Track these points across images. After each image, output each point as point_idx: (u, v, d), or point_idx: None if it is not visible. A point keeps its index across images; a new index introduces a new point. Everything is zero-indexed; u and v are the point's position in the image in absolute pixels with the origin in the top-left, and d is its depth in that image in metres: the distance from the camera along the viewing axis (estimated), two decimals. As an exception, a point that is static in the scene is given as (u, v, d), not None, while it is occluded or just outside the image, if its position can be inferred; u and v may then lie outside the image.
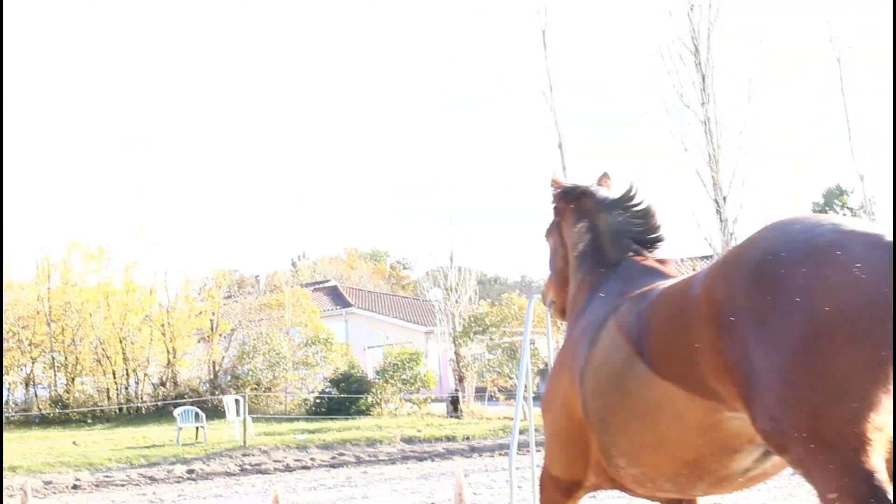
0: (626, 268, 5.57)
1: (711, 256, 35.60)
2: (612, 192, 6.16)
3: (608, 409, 4.61)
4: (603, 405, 4.65)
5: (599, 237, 5.93)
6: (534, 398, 34.92)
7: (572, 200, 6.28)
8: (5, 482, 22.40)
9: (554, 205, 6.52)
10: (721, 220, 34.11)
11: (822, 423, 3.47)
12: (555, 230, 6.48)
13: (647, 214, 5.85)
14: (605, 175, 6.42)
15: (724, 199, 34.14)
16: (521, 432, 19.76)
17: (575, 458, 5.08)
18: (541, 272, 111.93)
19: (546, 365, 32.05)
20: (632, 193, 5.91)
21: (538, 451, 23.32)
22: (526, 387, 9.57)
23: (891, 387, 3.41)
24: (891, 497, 3.40)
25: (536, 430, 22.53)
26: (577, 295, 5.88)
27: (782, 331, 3.56)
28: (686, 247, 63.06)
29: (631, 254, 5.69)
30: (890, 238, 3.59)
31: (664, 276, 5.32)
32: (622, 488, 4.90)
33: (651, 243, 5.77)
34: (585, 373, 4.86)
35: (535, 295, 9.91)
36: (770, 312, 3.62)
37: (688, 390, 4.09)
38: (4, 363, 38.66)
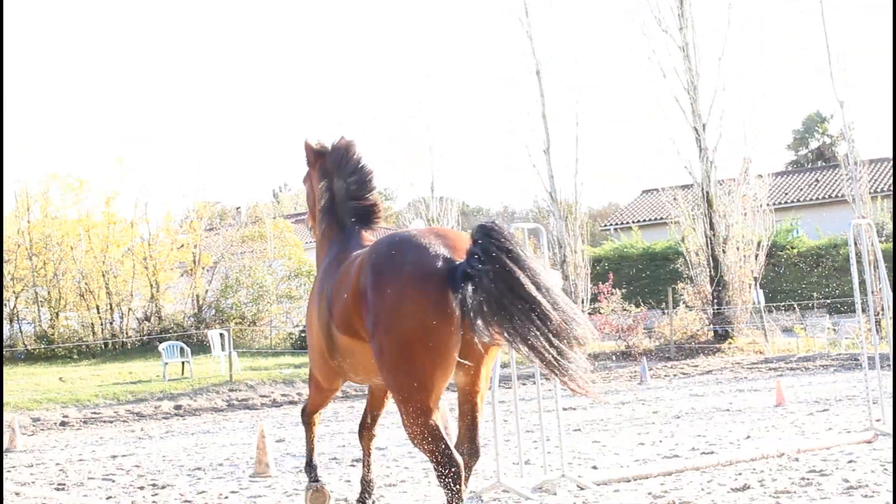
0: (347, 235, 7.81)
1: (692, 185, 35.80)
2: (344, 156, 8.04)
3: (329, 348, 7.13)
4: (327, 344, 7.14)
5: (334, 197, 8.06)
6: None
7: (318, 159, 8.27)
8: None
9: (307, 159, 8.43)
10: (701, 149, 34.26)
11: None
12: (308, 180, 8.55)
13: (363, 182, 7.94)
14: (348, 141, 8.18)
15: (704, 126, 34.25)
16: (504, 366, 20.06)
17: (329, 371, 7.57)
18: (524, 203, 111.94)
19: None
20: (352, 162, 7.96)
21: (522, 384, 23.39)
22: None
23: (438, 322, 5.78)
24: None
25: (519, 363, 22.63)
26: (321, 242, 8.12)
27: (378, 301, 6.00)
28: (667, 176, 63.28)
29: (353, 219, 7.88)
30: (423, 239, 6.08)
31: (362, 247, 7.46)
32: (352, 380, 7.57)
33: (365, 212, 7.91)
34: (320, 319, 7.19)
35: (515, 224, 10.05)
36: (375, 290, 6.05)
37: (355, 338, 6.60)
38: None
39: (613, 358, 31.47)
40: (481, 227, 5.80)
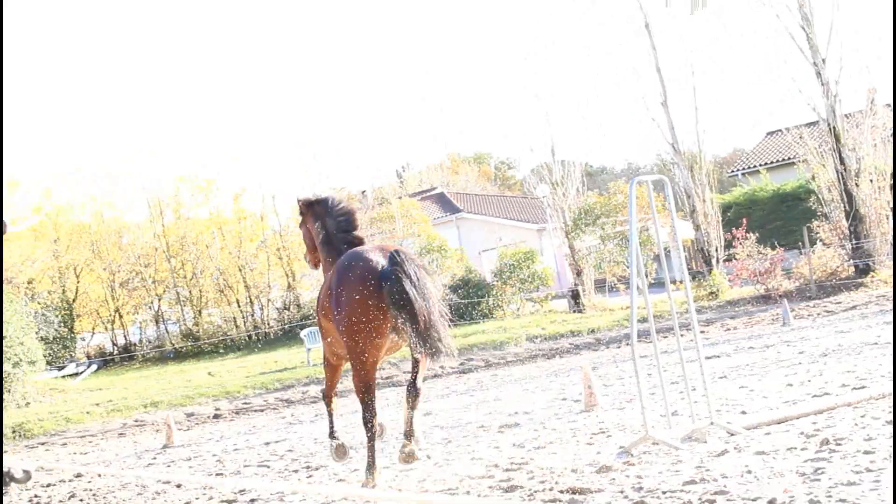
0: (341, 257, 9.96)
1: (817, 122, 35.03)
2: (332, 203, 10.66)
3: (322, 331, 10.21)
4: (322, 329, 10.20)
5: (329, 233, 10.56)
6: (650, 285, 35.06)
7: (309, 208, 10.91)
8: (148, 417, 23.36)
9: (300, 210, 11.12)
10: (822, 84, 33.44)
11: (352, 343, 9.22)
12: (303, 224, 11.17)
13: (349, 220, 10.52)
14: (330, 195, 10.96)
15: (823, 61, 33.41)
16: (641, 321, 19.94)
17: (328, 349, 10.37)
18: (647, 158, 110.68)
19: (667, 250, 31.80)
20: (339, 207, 10.59)
21: (664, 337, 23.31)
22: (639, 273, 9.70)
23: (376, 324, 9.09)
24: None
25: (656, 317, 22.49)
26: (326, 264, 10.60)
27: (337, 296, 9.23)
28: (790, 116, 61.86)
29: (346, 246, 10.31)
30: (368, 253, 9.30)
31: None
32: (343, 358, 10.29)
33: (351, 240, 10.38)
34: (320, 310, 10.02)
35: (638, 178, 9.98)
36: (336, 295, 9.25)
37: (331, 322, 9.59)
38: (132, 303, 39.94)
39: (753, 303, 31.02)
40: (393, 253, 9.11)
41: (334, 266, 9.67)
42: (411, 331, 8.72)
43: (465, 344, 27.15)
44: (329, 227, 10.61)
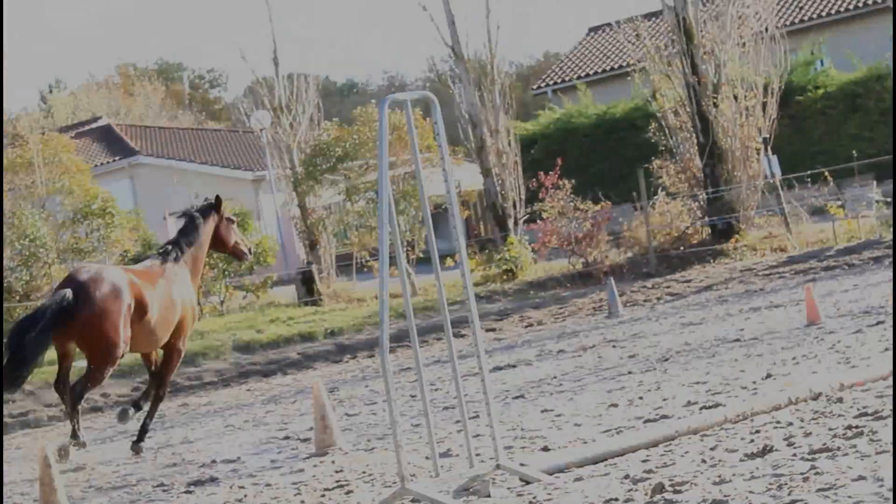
0: None
1: (660, 12, 35.94)
2: None
3: None
4: None
5: None
6: (419, 262, 35.21)
7: None
8: None
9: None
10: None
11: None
12: None
13: None
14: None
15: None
16: (398, 317, 20.04)
17: None
18: (416, 68, 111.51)
19: (441, 207, 31.74)
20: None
21: (437, 340, 23.46)
22: (395, 243, 9.70)
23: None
24: None
25: (426, 309, 22.66)
26: None
27: None
28: (624, 3, 63.27)
29: None
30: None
31: None
32: None
33: None
34: None
35: (392, 97, 10.01)
36: None
37: None
38: None
39: (567, 284, 31.63)
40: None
41: None
42: None
43: (136, 359, 26.63)
44: None
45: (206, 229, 17.45)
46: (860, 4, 51.40)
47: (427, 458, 11.39)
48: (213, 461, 14.30)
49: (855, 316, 18.09)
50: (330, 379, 21.14)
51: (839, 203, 33.90)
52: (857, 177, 37.88)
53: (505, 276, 33.14)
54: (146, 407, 16.67)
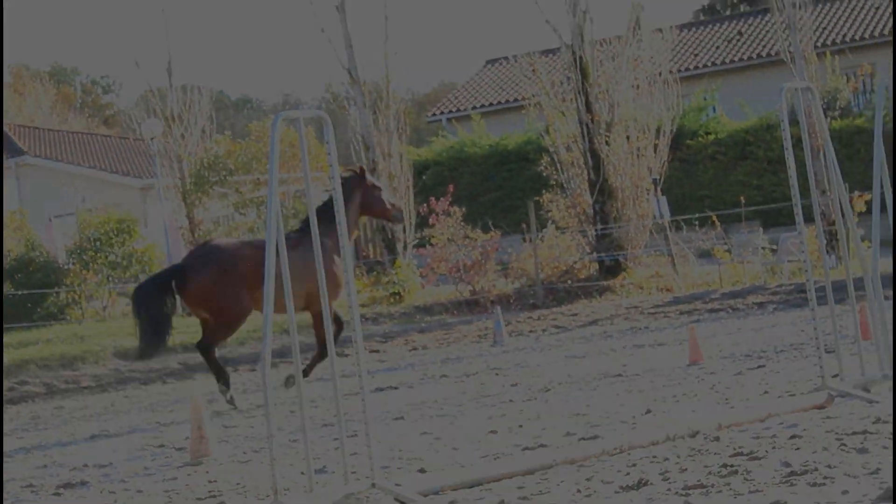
0: None
1: (558, 49, 36.14)
2: None
3: None
4: None
5: None
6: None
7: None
8: None
9: None
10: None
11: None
12: None
13: None
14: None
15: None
16: (280, 332, 19.98)
17: None
18: (313, 88, 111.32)
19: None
20: None
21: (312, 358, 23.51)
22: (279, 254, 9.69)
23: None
24: None
25: (309, 326, 22.60)
26: None
27: None
28: (523, 39, 63.62)
29: None
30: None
31: None
32: None
33: None
34: None
35: (285, 113, 9.99)
36: None
37: None
38: None
39: (453, 311, 31.70)
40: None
41: None
42: None
43: (18, 359, 26.43)
44: None
45: (354, 199, 19.69)
46: (754, 56, 52.28)
47: (303, 473, 11.37)
48: (85, 465, 14.16)
49: (736, 358, 18.26)
50: (209, 390, 20.98)
51: (726, 247, 34.22)
52: (744, 222, 38.34)
53: (392, 299, 33.24)
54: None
